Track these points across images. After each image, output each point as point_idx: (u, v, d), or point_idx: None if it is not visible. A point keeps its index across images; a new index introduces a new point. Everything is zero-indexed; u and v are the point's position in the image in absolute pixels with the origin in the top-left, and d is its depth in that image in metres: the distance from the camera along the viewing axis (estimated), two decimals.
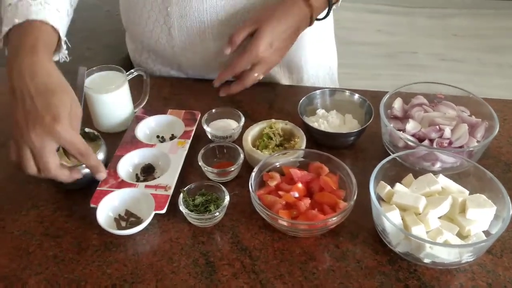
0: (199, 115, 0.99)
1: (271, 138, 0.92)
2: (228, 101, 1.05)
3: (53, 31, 0.84)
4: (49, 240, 0.79)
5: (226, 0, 1.00)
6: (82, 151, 0.76)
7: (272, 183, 0.82)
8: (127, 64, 1.26)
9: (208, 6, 1.01)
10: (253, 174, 0.82)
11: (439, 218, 0.77)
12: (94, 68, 0.98)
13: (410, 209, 0.77)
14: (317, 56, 1.20)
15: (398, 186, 0.80)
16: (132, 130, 0.95)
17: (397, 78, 2.91)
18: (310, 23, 1.00)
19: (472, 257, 0.72)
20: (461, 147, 0.88)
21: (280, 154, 0.86)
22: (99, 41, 1.59)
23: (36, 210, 0.84)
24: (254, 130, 0.94)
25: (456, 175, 0.83)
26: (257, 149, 0.91)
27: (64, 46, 0.89)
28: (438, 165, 0.86)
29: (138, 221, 0.80)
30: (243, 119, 0.97)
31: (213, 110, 0.99)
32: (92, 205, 0.81)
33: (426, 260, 0.73)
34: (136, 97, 1.03)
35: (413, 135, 0.90)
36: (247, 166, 0.91)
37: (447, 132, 0.88)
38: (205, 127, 0.96)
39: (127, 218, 0.81)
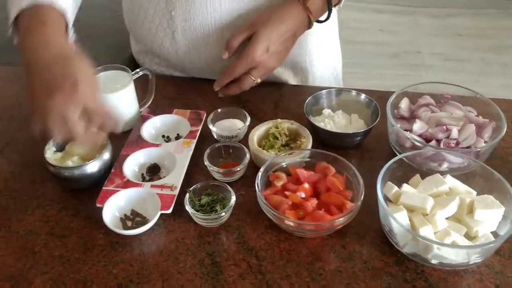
0: (205, 115, 0.99)
1: (277, 138, 0.92)
2: (233, 101, 1.05)
3: (60, 16, 0.85)
4: (55, 240, 0.79)
5: (229, 4, 1.00)
6: (104, 114, 0.76)
7: (279, 183, 0.82)
8: (132, 64, 1.26)
9: (211, 10, 1.00)
10: (260, 174, 0.81)
11: (447, 219, 0.76)
12: (99, 68, 0.97)
13: (417, 210, 0.76)
14: (321, 57, 1.20)
15: (405, 186, 0.80)
16: (138, 129, 0.95)
17: (400, 78, 2.91)
18: (309, 27, 1.00)
19: (480, 258, 0.71)
20: (468, 147, 0.87)
21: (286, 154, 0.86)
22: (103, 41, 1.59)
23: (42, 209, 0.84)
24: (260, 130, 0.93)
25: (463, 176, 0.83)
26: (263, 149, 0.90)
27: (71, 33, 0.89)
28: (445, 166, 0.86)
29: (144, 221, 0.80)
30: (248, 118, 0.97)
31: (219, 110, 0.99)
32: (98, 205, 0.81)
33: (434, 261, 0.72)
34: (141, 96, 1.03)
35: (420, 135, 0.89)
36: (253, 166, 0.91)
37: (454, 133, 0.87)
38: (210, 126, 0.96)
39: (133, 218, 0.81)
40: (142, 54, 1.21)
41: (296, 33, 0.99)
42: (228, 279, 0.73)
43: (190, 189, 0.82)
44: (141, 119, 0.98)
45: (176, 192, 0.83)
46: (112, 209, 0.80)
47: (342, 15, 1.08)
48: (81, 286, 0.72)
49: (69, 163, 0.84)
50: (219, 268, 0.75)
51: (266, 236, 0.79)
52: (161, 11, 1.04)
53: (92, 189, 0.85)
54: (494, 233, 0.75)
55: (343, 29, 1.28)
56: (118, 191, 0.82)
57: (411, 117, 0.94)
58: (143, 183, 0.84)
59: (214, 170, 0.87)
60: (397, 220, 0.71)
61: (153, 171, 0.89)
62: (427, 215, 0.76)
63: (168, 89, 1.12)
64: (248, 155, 0.88)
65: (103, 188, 0.83)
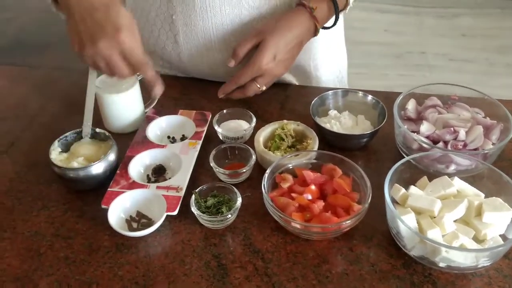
0: (210, 116, 0.99)
1: (283, 139, 0.91)
2: (239, 101, 1.04)
3: None
4: (60, 241, 0.79)
5: (230, 9, 1.00)
6: (142, 61, 0.81)
7: (285, 185, 0.81)
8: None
9: (211, 15, 1.00)
10: (266, 175, 0.81)
11: (455, 221, 0.76)
12: None
13: (425, 212, 0.76)
14: (327, 61, 1.19)
15: (412, 189, 0.79)
16: (143, 130, 0.94)
17: (405, 78, 2.90)
18: (315, 34, 1.00)
19: (489, 262, 0.71)
20: (476, 149, 0.87)
21: (293, 156, 0.86)
22: None
23: (47, 211, 0.84)
24: (265, 131, 0.93)
25: (471, 178, 0.82)
26: (269, 150, 0.90)
27: None
28: (452, 168, 0.85)
29: (150, 222, 0.80)
30: (254, 119, 0.96)
31: (224, 111, 0.98)
32: (103, 206, 0.80)
33: (442, 264, 0.72)
34: (146, 97, 1.02)
35: (427, 137, 0.89)
36: (259, 168, 0.90)
37: (462, 134, 0.87)
38: (216, 127, 0.95)
39: (139, 219, 0.80)
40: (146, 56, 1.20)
41: (302, 41, 0.99)
42: (234, 282, 0.73)
43: (196, 190, 0.81)
44: (146, 119, 0.98)
45: (181, 193, 0.82)
46: (118, 210, 0.80)
47: (346, 15, 1.08)
48: (86, 287, 0.72)
49: (74, 164, 0.84)
50: (225, 271, 0.74)
51: (272, 238, 0.79)
52: (162, 14, 1.03)
53: (97, 190, 0.85)
54: (503, 236, 0.75)
55: (347, 29, 1.28)
56: (123, 192, 0.82)
57: (418, 119, 0.94)
58: (148, 184, 0.84)
59: (220, 172, 0.86)
60: (405, 223, 0.71)
61: (158, 172, 0.88)
62: (434, 217, 0.75)
63: (173, 90, 1.11)
64: (254, 157, 0.88)
65: (109, 189, 0.83)
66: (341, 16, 1.04)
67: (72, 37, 0.80)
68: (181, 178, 0.84)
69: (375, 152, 0.94)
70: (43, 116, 1.05)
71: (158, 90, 0.88)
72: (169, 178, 0.85)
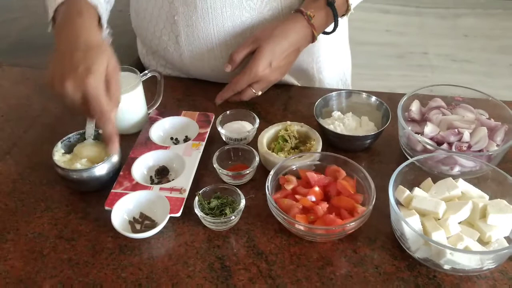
0: (213, 117, 0.98)
1: (287, 141, 0.91)
2: (242, 103, 1.04)
3: (93, 8, 0.87)
4: (64, 243, 0.78)
5: (231, 11, 1.00)
6: (103, 111, 0.76)
7: (289, 187, 0.81)
8: (138, 66, 1.26)
9: (213, 17, 1.00)
10: (270, 177, 0.81)
11: (459, 223, 0.75)
12: None
13: (429, 214, 0.76)
14: (330, 63, 1.19)
15: (417, 190, 0.79)
16: (146, 131, 0.94)
17: (407, 79, 2.90)
18: (312, 41, 1.00)
19: (494, 264, 0.70)
20: (480, 151, 0.86)
21: (296, 157, 0.85)
22: (112, 42, 1.58)
23: (50, 212, 0.84)
24: (269, 133, 0.93)
25: (475, 179, 0.82)
26: (272, 151, 0.90)
27: (105, 26, 0.91)
28: (457, 169, 0.85)
29: (153, 224, 0.80)
30: (257, 121, 0.96)
31: (227, 112, 0.98)
32: (106, 208, 0.80)
33: (446, 267, 0.72)
34: (149, 98, 1.02)
35: (431, 139, 0.88)
36: (262, 169, 0.90)
37: (466, 136, 0.86)
38: (219, 129, 0.95)
39: (142, 221, 0.80)
40: (149, 57, 1.20)
41: (299, 48, 0.99)
42: (238, 284, 0.72)
43: (199, 192, 0.81)
44: (149, 121, 0.97)
45: (185, 195, 0.82)
46: (121, 212, 0.80)
47: (348, 15, 1.08)
48: None
49: (78, 166, 0.84)
50: (229, 272, 0.74)
51: (276, 240, 0.79)
52: (164, 14, 1.03)
53: (101, 191, 0.84)
54: (508, 238, 0.74)
55: (349, 30, 1.27)
56: (126, 194, 0.81)
57: (422, 120, 0.93)
58: (152, 186, 0.84)
59: (223, 173, 0.86)
60: (410, 225, 0.70)
61: (161, 174, 0.88)
62: (439, 219, 0.75)
63: (175, 91, 1.11)
64: (257, 158, 0.87)
65: (112, 190, 0.83)
66: (344, 18, 1.04)
67: (48, 70, 0.78)
68: (184, 180, 0.84)
69: (379, 154, 0.94)
70: (46, 117, 1.05)
71: (113, 149, 0.80)
72: (172, 180, 0.85)
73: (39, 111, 1.07)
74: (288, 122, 0.94)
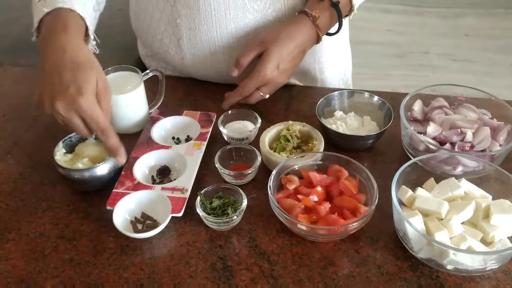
0: (215, 116, 0.98)
1: (289, 141, 0.91)
2: (244, 102, 1.03)
3: (80, 19, 0.86)
4: (65, 243, 0.78)
5: (234, 13, 0.99)
6: (103, 128, 0.78)
7: (291, 187, 0.81)
8: (140, 65, 1.25)
9: (216, 19, 0.99)
10: (272, 177, 0.80)
11: (462, 223, 0.75)
12: (109, 69, 0.97)
13: (432, 214, 0.75)
14: (332, 64, 1.19)
15: (419, 190, 0.79)
16: (148, 131, 0.94)
17: (408, 78, 2.89)
18: (317, 42, 0.99)
19: (497, 265, 0.70)
20: (483, 150, 0.86)
21: (298, 157, 0.85)
22: (111, 41, 1.57)
23: (51, 212, 0.83)
24: (271, 132, 0.92)
25: (478, 179, 0.82)
26: (274, 151, 0.89)
27: (92, 37, 0.91)
28: (459, 169, 0.84)
29: (155, 224, 0.79)
30: (259, 120, 0.96)
31: (229, 112, 0.98)
32: (108, 208, 0.80)
33: (449, 267, 0.71)
34: (150, 98, 1.02)
35: (434, 138, 0.88)
36: (264, 169, 0.90)
37: (469, 136, 0.86)
38: (221, 128, 0.95)
39: (144, 221, 0.80)
40: (149, 58, 1.20)
41: (305, 49, 0.98)
42: (240, 284, 0.72)
43: (201, 192, 0.81)
44: (151, 120, 0.97)
45: (187, 195, 0.82)
46: (123, 212, 0.79)
47: (352, 16, 1.07)
48: None
49: (79, 165, 0.83)
50: (231, 273, 0.74)
51: (278, 240, 0.78)
52: (166, 18, 1.03)
53: (102, 191, 0.84)
54: (511, 239, 0.74)
55: (350, 29, 1.27)
56: (128, 193, 0.81)
57: (425, 120, 0.93)
58: (153, 185, 0.83)
59: (225, 173, 0.86)
60: (413, 225, 0.70)
61: (163, 174, 0.88)
62: (442, 219, 0.75)
63: (177, 90, 1.11)
64: (259, 158, 0.87)
65: (113, 190, 0.82)
66: (345, 20, 1.04)
67: (39, 89, 0.79)
68: (186, 179, 0.84)
69: (381, 154, 0.94)
70: (47, 117, 1.03)
71: (121, 159, 0.83)
72: (174, 179, 0.85)
73: (40, 110, 1.06)
74: (290, 122, 0.94)
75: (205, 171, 0.90)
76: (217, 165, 0.86)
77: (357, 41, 1.42)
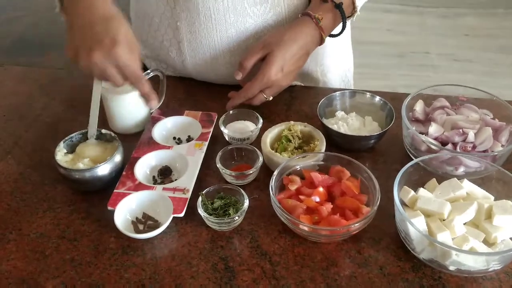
0: (216, 117, 0.98)
1: (290, 141, 0.91)
2: (247, 104, 1.03)
3: None
4: (66, 243, 0.78)
5: (234, 17, 0.99)
6: (137, 76, 0.82)
7: (293, 187, 0.81)
8: (141, 65, 1.25)
9: (216, 23, 0.99)
10: (274, 177, 0.80)
11: (464, 224, 0.75)
12: None
13: (434, 215, 0.75)
14: (334, 66, 1.18)
15: (421, 191, 0.79)
16: (149, 131, 0.94)
17: (408, 78, 2.89)
18: (320, 43, 0.99)
19: (500, 265, 0.70)
20: (485, 151, 0.86)
21: (300, 157, 0.85)
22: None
23: (52, 212, 0.83)
24: (272, 132, 0.92)
25: (480, 180, 0.82)
26: (276, 151, 0.89)
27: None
28: (461, 170, 0.84)
29: (156, 224, 0.79)
30: (261, 120, 0.95)
31: (230, 112, 0.98)
32: (109, 208, 0.80)
33: (451, 268, 0.71)
34: None
35: (435, 139, 0.88)
36: (265, 169, 0.89)
37: (471, 136, 0.86)
38: (222, 128, 0.94)
39: (145, 221, 0.80)
40: (149, 59, 1.20)
41: (308, 51, 0.98)
42: (242, 284, 0.72)
43: (203, 192, 0.80)
44: (152, 120, 0.97)
45: (188, 195, 0.81)
46: (124, 212, 0.79)
47: (355, 17, 1.07)
48: None
49: (80, 165, 0.83)
50: (233, 273, 0.73)
51: (280, 240, 0.78)
52: (166, 20, 1.02)
53: (103, 191, 0.84)
54: None
55: (351, 29, 1.27)
56: (129, 194, 0.81)
57: (426, 120, 0.93)
58: (155, 186, 0.83)
59: (227, 173, 0.86)
60: (415, 226, 0.70)
61: (164, 174, 0.88)
62: (444, 220, 0.75)
63: (178, 90, 1.11)
64: (261, 158, 0.87)
65: (115, 190, 0.82)
66: (348, 21, 1.03)
67: (69, 45, 0.81)
68: (187, 180, 0.84)
69: (383, 154, 0.94)
70: (47, 116, 1.05)
71: (154, 104, 0.87)
72: (175, 180, 0.85)
73: (40, 110, 1.06)
74: (292, 122, 0.93)
75: (207, 171, 0.90)
76: (219, 165, 0.86)
77: (357, 41, 1.41)
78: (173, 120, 0.97)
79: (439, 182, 0.80)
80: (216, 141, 0.96)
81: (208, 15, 0.98)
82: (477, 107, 0.94)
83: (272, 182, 0.79)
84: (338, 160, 0.84)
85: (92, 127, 0.89)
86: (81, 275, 0.73)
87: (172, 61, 1.09)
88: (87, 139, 0.89)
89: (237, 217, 0.78)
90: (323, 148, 0.89)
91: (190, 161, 0.87)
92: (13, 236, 0.79)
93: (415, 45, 3.19)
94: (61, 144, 0.87)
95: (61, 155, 0.86)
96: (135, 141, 0.93)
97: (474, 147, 0.86)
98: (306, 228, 0.74)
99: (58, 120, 1.03)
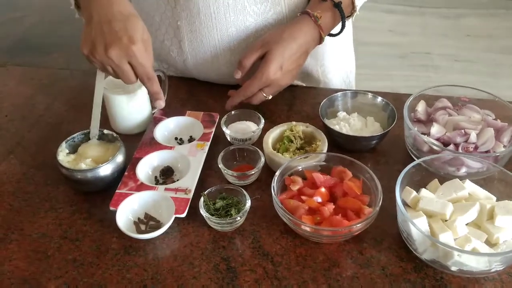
0: (218, 117, 0.98)
1: (292, 141, 0.91)
2: (246, 103, 1.03)
3: None
4: (68, 243, 0.78)
5: (235, 16, 0.99)
6: (150, 75, 0.85)
7: (295, 188, 0.81)
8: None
9: (216, 22, 0.99)
10: (275, 178, 0.80)
11: (466, 225, 0.75)
12: None
13: (437, 216, 0.75)
14: (335, 66, 1.18)
15: (424, 191, 0.79)
16: (151, 131, 0.94)
17: (410, 79, 2.89)
18: (320, 42, 0.99)
19: (502, 266, 0.70)
20: (487, 151, 0.86)
21: (302, 158, 0.85)
22: None
23: (54, 212, 0.83)
24: (274, 133, 0.92)
25: (482, 180, 0.82)
26: (277, 152, 0.89)
27: None
28: (463, 170, 0.84)
29: (158, 224, 0.79)
30: (263, 121, 0.95)
31: (232, 112, 0.98)
32: (111, 208, 0.80)
33: (453, 268, 0.71)
34: None
35: (437, 139, 0.88)
36: (267, 170, 0.89)
37: (473, 137, 0.86)
38: (224, 129, 0.95)
39: (147, 221, 0.80)
40: None
41: (307, 50, 0.98)
42: (244, 285, 0.72)
43: (205, 192, 0.80)
44: (154, 120, 0.97)
45: (190, 195, 0.81)
46: (126, 212, 0.79)
47: (354, 17, 1.07)
48: None
49: (82, 166, 0.83)
50: (235, 274, 0.73)
51: (282, 241, 0.78)
52: (167, 20, 1.03)
53: (105, 192, 0.84)
54: None
55: (352, 30, 1.27)
56: (131, 194, 0.81)
57: (428, 121, 0.93)
58: (156, 186, 0.83)
59: (228, 174, 0.86)
60: (417, 226, 0.70)
61: (166, 174, 0.88)
62: (446, 221, 0.75)
63: (180, 91, 1.11)
64: (262, 158, 0.87)
65: (117, 191, 0.82)
66: (348, 22, 1.03)
67: (85, 40, 0.82)
68: (189, 180, 0.84)
69: (385, 154, 0.94)
70: (49, 117, 1.05)
71: (160, 104, 0.91)
72: (177, 180, 0.85)
73: (43, 110, 1.06)
74: (293, 123, 0.93)
75: (208, 171, 0.90)
76: (220, 165, 0.86)
77: (358, 41, 1.41)
78: (175, 120, 0.97)
79: (441, 182, 0.80)
80: (218, 141, 0.96)
81: (209, 14, 0.98)
82: (479, 107, 0.94)
83: (274, 183, 0.79)
84: (340, 161, 0.84)
85: (94, 128, 0.89)
86: (83, 275, 0.73)
87: (173, 60, 1.09)
88: (89, 139, 0.89)
89: (239, 218, 0.78)
90: (325, 149, 0.89)
91: (192, 161, 0.87)
92: (15, 236, 0.79)
93: (417, 45, 3.19)
94: (63, 144, 0.87)
95: (63, 155, 0.86)
96: (137, 141, 0.93)
97: (476, 147, 0.86)
98: (308, 229, 0.74)
99: (61, 120, 1.03)
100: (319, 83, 1.17)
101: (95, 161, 0.85)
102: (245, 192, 0.81)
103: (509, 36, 3.29)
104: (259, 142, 0.94)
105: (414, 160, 0.81)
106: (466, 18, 3.48)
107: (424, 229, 0.72)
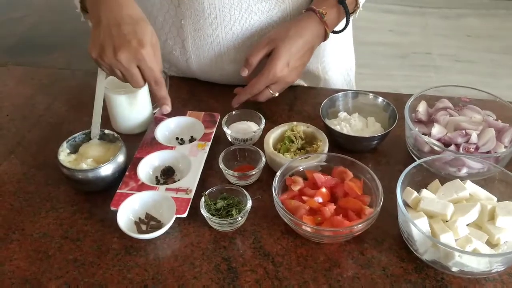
0: (219, 117, 0.98)
1: (293, 141, 0.91)
2: (247, 103, 1.03)
3: None
4: (69, 243, 0.78)
5: (240, 14, 0.99)
6: (157, 79, 0.86)
7: (296, 188, 0.81)
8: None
9: (221, 20, 0.99)
10: (276, 178, 0.80)
11: (467, 225, 0.75)
12: None
13: (437, 216, 0.75)
14: (335, 63, 1.18)
15: (424, 192, 0.79)
16: (152, 131, 0.94)
17: (410, 79, 2.89)
18: (324, 39, 0.99)
19: (503, 267, 0.70)
20: (488, 152, 0.86)
21: (303, 158, 0.85)
22: None
23: (55, 212, 0.83)
24: (275, 133, 0.92)
25: (483, 181, 0.82)
26: (278, 152, 0.89)
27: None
28: (464, 171, 0.84)
29: (159, 225, 0.79)
30: (263, 121, 0.95)
31: (233, 112, 0.98)
32: (112, 208, 0.80)
33: (454, 269, 0.71)
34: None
35: (438, 140, 0.88)
36: (268, 170, 0.89)
37: (474, 137, 0.86)
38: (225, 129, 0.94)
39: (148, 221, 0.80)
40: None
41: (313, 46, 0.98)
42: (245, 285, 0.72)
43: (206, 192, 0.80)
44: (155, 120, 0.97)
45: (191, 195, 0.81)
46: (127, 212, 0.79)
47: (357, 13, 1.07)
48: None
49: (83, 166, 0.83)
50: (235, 274, 0.73)
51: (283, 241, 0.78)
52: (170, 19, 1.03)
53: (106, 192, 0.84)
54: None
55: (352, 29, 1.27)
56: (132, 194, 0.81)
57: (429, 121, 0.93)
58: (157, 186, 0.83)
59: (229, 174, 0.86)
60: (418, 227, 0.70)
61: (167, 174, 0.88)
62: (447, 221, 0.75)
63: (181, 91, 1.11)
64: (263, 159, 0.87)
65: (117, 191, 0.82)
66: (353, 17, 1.04)
67: (94, 43, 0.82)
68: (190, 180, 0.84)
69: (386, 155, 0.94)
70: (50, 116, 1.05)
71: (166, 109, 0.91)
72: (178, 180, 0.85)
73: (43, 110, 1.06)
74: (294, 123, 0.93)
75: (209, 172, 0.90)
76: (221, 166, 0.86)
77: (359, 41, 1.41)
78: (176, 120, 0.97)
79: (442, 183, 0.80)
80: (219, 141, 0.96)
81: (214, 13, 0.98)
82: (480, 108, 0.94)
83: (275, 183, 0.79)
84: (341, 161, 0.84)
85: (95, 128, 0.89)
86: (84, 275, 0.73)
87: (175, 60, 1.09)
88: (90, 139, 0.89)
89: (239, 218, 0.78)
90: (326, 149, 0.89)
91: (193, 161, 0.87)
92: (16, 236, 0.79)
93: (417, 45, 3.19)
94: (64, 144, 0.87)
95: (64, 155, 0.86)
96: (138, 141, 0.93)
97: (477, 148, 0.86)
98: (309, 229, 0.74)
99: (61, 120, 1.03)
100: (320, 80, 1.17)
101: (96, 161, 0.85)
102: (246, 192, 0.81)
103: (510, 36, 3.29)
104: (260, 142, 0.94)
105: (415, 161, 0.81)
106: (467, 18, 3.48)
107: (425, 229, 0.72)
